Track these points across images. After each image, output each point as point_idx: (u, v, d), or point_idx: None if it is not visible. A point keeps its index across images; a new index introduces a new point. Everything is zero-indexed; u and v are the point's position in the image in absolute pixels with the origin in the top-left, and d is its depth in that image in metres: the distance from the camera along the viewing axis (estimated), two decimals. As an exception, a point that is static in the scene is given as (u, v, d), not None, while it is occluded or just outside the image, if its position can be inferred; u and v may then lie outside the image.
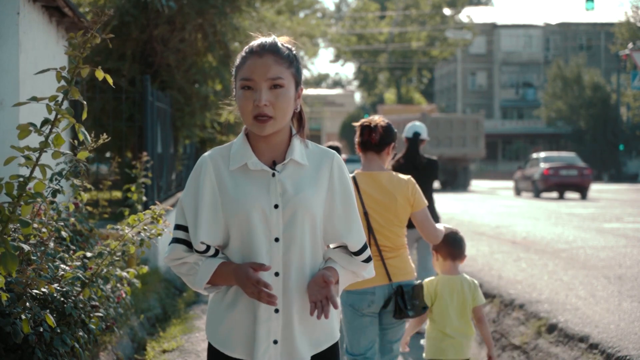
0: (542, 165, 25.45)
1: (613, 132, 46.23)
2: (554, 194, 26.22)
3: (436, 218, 6.52)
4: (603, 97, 48.22)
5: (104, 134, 3.78)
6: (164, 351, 5.64)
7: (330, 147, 7.11)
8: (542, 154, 27.41)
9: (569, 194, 26.17)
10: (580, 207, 18.88)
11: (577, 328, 5.35)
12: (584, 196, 24.60)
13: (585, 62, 51.23)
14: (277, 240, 2.21)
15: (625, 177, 46.08)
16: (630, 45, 33.16)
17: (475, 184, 38.29)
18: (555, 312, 5.87)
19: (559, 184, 24.79)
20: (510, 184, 33.93)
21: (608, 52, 55.15)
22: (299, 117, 2.34)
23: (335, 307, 2.16)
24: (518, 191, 27.56)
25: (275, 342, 2.21)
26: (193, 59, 11.43)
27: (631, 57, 27.64)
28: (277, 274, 2.21)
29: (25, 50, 5.72)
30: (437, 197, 7.53)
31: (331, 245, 2.35)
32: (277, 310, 2.21)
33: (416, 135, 6.65)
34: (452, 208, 19.03)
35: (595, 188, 32.87)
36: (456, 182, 31.78)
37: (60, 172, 4.03)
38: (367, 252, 2.31)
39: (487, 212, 17.52)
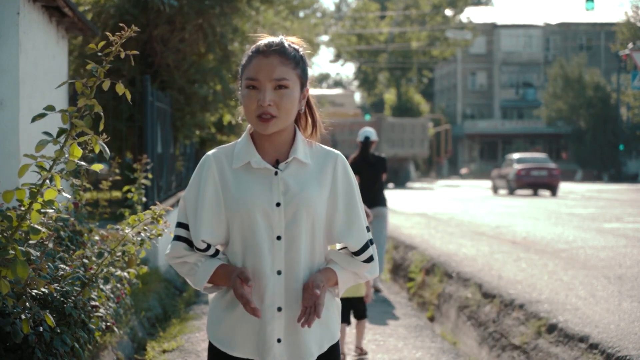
0: (516, 165, 27.83)
1: (613, 132, 46.21)
2: (528, 191, 28.25)
3: (383, 202, 8.40)
4: (603, 97, 48.23)
5: (104, 134, 3.77)
6: (164, 351, 5.64)
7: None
8: (516, 155, 29.75)
9: (542, 191, 28.03)
10: (580, 207, 18.88)
11: (577, 328, 5.35)
12: (554, 194, 26.71)
13: (586, 62, 51.17)
14: (279, 238, 2.21)
15: (625, 177, 46.11)
16: (630, 45, 33.11)
17: (414, 183, 39.45)
18: (555, 312, 5.87)
19: (530, 183, 27.24)
20: (488, 183, 35.81)
21: (608, 52, 55.11)
22: (312, 118, 2.33)
23: (318, 317, 2.14)
24: (495, 189, 29.60)
25: (278, 340, 2.21)
26: (193, 59, 11.43)
27: (631, 57, 27.64)
28: (279, 272, 2.21)
29: (25, 50, 5.72)
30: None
31: (337, 246, 2.35)
32: (279, 309, 2.21)
33: (367, 139, 8.38)
34: (452, 208, 19.04)
35: (595, 188, 32.94)
36: (398, 179, 35.36)
37: (60, 171, 4.01)
38: (369, 252, 2.30)
39: (487, 212, 17.52)
